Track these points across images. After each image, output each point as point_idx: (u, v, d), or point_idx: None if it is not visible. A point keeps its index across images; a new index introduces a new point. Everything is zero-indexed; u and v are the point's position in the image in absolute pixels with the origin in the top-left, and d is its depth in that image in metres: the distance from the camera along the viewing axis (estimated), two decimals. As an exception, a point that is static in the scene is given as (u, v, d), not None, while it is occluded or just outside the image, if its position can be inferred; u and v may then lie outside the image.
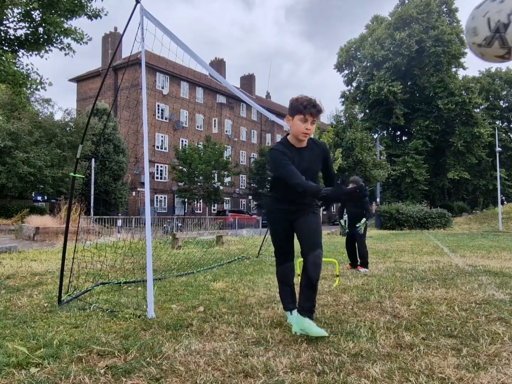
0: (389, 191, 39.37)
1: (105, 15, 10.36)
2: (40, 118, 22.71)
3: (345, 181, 6.07)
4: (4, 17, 9.32)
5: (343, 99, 44.75)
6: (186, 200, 32.50)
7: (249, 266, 6.27)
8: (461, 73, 67.77)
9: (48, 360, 2.16)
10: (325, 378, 1.99)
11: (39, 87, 9.74)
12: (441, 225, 23.69)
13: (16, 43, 9.95)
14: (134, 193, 32.94)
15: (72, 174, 3.66)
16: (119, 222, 16.11)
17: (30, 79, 9.59)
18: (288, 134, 2.87)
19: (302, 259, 5.88)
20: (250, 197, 43.18)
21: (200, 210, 36.85)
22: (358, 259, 6.01)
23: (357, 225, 5.98)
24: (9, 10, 9.05)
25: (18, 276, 5.07)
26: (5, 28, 9.74)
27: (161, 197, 35.57)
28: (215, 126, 41.05)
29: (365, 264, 5.86)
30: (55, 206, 19.05)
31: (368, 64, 42.15)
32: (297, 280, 4.76)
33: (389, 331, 2.76)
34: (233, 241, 11.44)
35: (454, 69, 42.47)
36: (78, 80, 39.42)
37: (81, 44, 10.25)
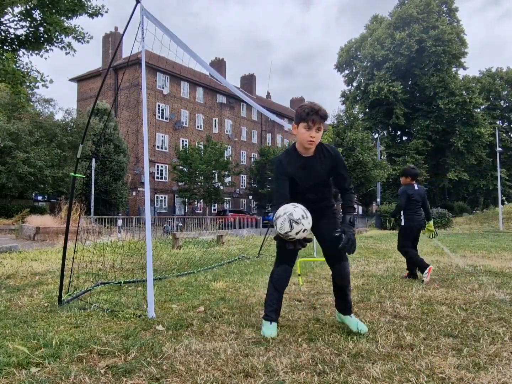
0: (389, 191, 39.34)
1: (106, 12, 10.35)
2: (40, 118, 22.72)
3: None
4: (5, 16, 9.32)
5: (343, 99, 44.74)
6: (186, 200, 32.51)
7: (249, 266, 6.27)
8: (461, 73, 67.68)
9: (49, 360, 2.16)
10: (325, 378, 1.99)
11: (38, 84, 9.75)
12: (441, 225, 23.67)
13: (16, 43, 9.96)
14: (134, 193, 32.95)
15: (72, 174, 3.66)
16: (119, 222, 16.11)
17: (29, 77, 9.59)
18: (295, 142, 2.83)
19: (302, 258, 5.86)
20: (250, 197, 43.18)
21: (200, 210, 36.86)
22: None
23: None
24: (9, 9, 9.04)
25: (19, 276, 5.07)
26: (6, 28, 9.75)
27: (162, 197, 35.57)
28: (215, 126, 41.04)
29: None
30: (56, 206, 19.05)
31: (368, 64, 42.12)
32: (298, 280, 4.76)
33: (389, 331, 2.76)
34: (233, 241, 11.44)
35: (454, 69, 42.45)
36: (79, 80, 39.45)
37: (82, 43, 10.26)
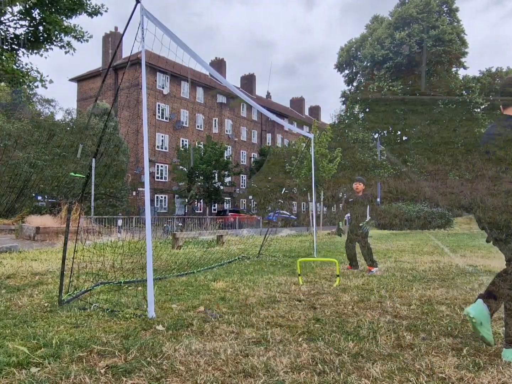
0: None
1: (105, 11, 10.35)
2: (40, 118, 22.72)
3: None
4: (5, 15, 9.32)
5: (343, 99, 44.71)
6: (186, 200, 32.50)
7: (249, 266, 6.27)
8: (461, 72, 67.67)
9: (49, 360, 2.16)
10: (325, 378, 1.98)
11: (38, 84, 9.76)
12: (441, 225, 23.66)
13: (16, 42, 9.96)
14: (134, 193, 32.93)
15: (72, 173, 3.65)
16: (119, 222, 16.10)
17: (29, 77, 9.59)
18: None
19: (302, 258, 5.86)
20: (250, 197, 43.16)
21: (200, 210, 36.85)
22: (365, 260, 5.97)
23: (361, 224, 5.84)
24: (8, 8, 9.04)
25: (19, 276, 5.07)
26: (6, 27, 9.75)
27: (161, 197, 35.57)
28: (215, 126, 41.04)
29: (373, 264, 5.81)
30: (56, 206, 19.03)
31: (368, 64, 42.12)
32: (298, 280, 4.76)
33: (389, 331, 2.75)
34: (233, 241, 11.44)
35: (454, 69, 42.45)
36: (79, 80, 39.42)
37: (81, 42, 10.26)
